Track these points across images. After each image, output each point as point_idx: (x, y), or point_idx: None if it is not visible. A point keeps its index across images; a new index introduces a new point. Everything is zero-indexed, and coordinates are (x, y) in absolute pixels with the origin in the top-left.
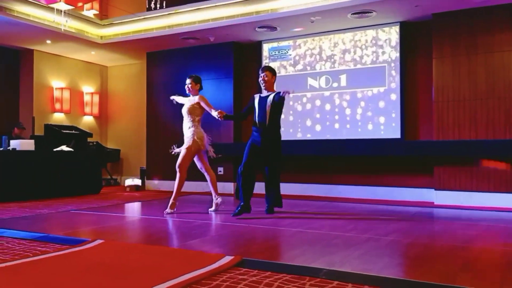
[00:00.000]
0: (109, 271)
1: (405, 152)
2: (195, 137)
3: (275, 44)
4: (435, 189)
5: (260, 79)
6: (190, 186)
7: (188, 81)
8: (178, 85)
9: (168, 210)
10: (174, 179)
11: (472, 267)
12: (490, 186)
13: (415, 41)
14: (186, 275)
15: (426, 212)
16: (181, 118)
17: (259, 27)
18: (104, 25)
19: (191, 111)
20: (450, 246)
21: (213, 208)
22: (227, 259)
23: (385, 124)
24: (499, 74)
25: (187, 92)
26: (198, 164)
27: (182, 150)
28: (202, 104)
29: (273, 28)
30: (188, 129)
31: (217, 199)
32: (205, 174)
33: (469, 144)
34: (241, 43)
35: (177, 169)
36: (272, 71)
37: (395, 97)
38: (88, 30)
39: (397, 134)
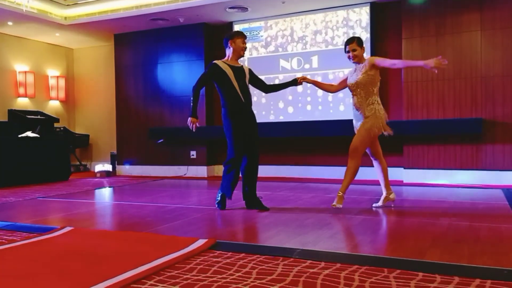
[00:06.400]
0: (80, 258)
1: None
2: (378, 115)
3: (246, 25)
4: (404, 168)
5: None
6: (160, 171)
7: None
8: (148, 68)
9: (336, 204)
10: (146, 164)
11: (440, 242)
12: (456, 163)
13: (385, 22)
14: (159, 259)
15: (396, 190)
16: (152, 100)
17: (229, 8)
18: (68, 5)
19: (365, 82)
20: (419, 222)
21: (380, 203)
22: (200, 242)
23: None
24: (466, 55)
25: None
26: (371, 150)
27: (361, 131)
28: (380, 62)
29: (244, 9)
30: (366, 107)
31: (390, 194)
32: (376, 162)
33: (437, 123)
34: (211, 24)
35: (351, 154)
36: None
37: None
38: (51, 10)
39: None
